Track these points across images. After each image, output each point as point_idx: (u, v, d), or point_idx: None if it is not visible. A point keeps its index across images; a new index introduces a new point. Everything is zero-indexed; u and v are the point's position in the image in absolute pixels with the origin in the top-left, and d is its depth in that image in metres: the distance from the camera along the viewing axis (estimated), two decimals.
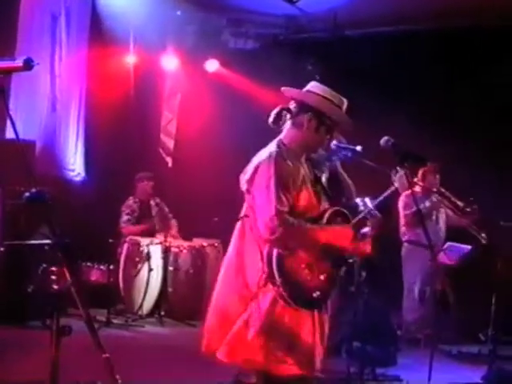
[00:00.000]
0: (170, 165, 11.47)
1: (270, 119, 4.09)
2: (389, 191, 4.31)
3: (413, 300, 8.66)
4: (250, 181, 3.96)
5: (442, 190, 8.59)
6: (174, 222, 9.85)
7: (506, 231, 7.77)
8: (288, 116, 4.09)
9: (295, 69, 10.18)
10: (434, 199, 8.63)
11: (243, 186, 4.02)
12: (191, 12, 10.40)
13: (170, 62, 11.16)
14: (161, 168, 11.04)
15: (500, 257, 7.74)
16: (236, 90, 10.75)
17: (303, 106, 4.05)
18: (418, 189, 8.26)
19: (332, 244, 3.98)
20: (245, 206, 4.09)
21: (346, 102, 4.12)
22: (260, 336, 3.89)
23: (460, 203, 8.45)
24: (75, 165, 10.16)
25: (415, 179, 8.14)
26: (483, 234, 8.45)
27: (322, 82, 4.22)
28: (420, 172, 8.53)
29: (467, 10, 9.04)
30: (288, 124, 4.10)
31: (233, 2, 9.83)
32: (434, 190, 8.56)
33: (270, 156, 3.93)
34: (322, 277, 3.96)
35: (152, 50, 10.71)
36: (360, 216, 4.14)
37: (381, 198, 4.29)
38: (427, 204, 8.48)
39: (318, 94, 4.07)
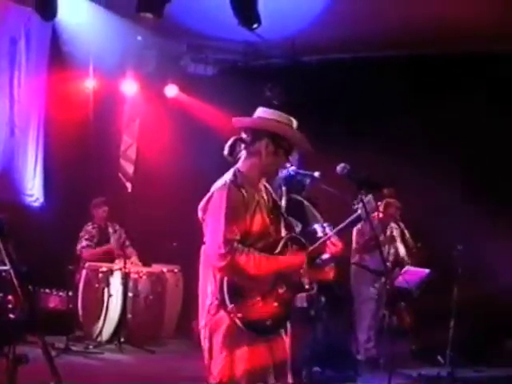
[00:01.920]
0: (129, 190, 11.40)
1: (226, 151, 4.09)
2: (352, 217, 4.27)
3: (362, 320, 8.75)
4: (204, 209, 3.98)
5: (401, 224, 8.89)
6: (131, 250, 9.73)
7: (463, 255, 7.86)
8: (242, 146, 4.08)
9: (254, 94, 10.21)
10: (389, 233, 8.82)
11: (199, 214, 4.03)
12: (151, 37, 10.40)
13: (129, 87, 11.15)
14: (120, 193, 10.97)
15: (457, 280, 7.84)
16: (195, 116, 10.78)
17: (257, 133, 4.04)
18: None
19: (285, 272, 3.97)
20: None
21: (295, 121, 4.09)
22: (217, 363, 3.90)
23: (411, 242, 8.73)
24: (33, 190, 10.07)
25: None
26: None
27: (279, 107, 4.23)
28: (382, 204, 8.62)
29: (425, 38, 9.18)
30: (244, 153, 4.09)
31: (193, 28, 9.86)
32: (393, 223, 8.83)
33: (224, 184, 3.94)
34: (275, 304, 3.93)
35: (111, 75, 10.69)
36: (318, 242, 4.10)
37: (344, 223, 4.23)
38: (381, 238, 8.57)
39: (269, 119, 4.06)
